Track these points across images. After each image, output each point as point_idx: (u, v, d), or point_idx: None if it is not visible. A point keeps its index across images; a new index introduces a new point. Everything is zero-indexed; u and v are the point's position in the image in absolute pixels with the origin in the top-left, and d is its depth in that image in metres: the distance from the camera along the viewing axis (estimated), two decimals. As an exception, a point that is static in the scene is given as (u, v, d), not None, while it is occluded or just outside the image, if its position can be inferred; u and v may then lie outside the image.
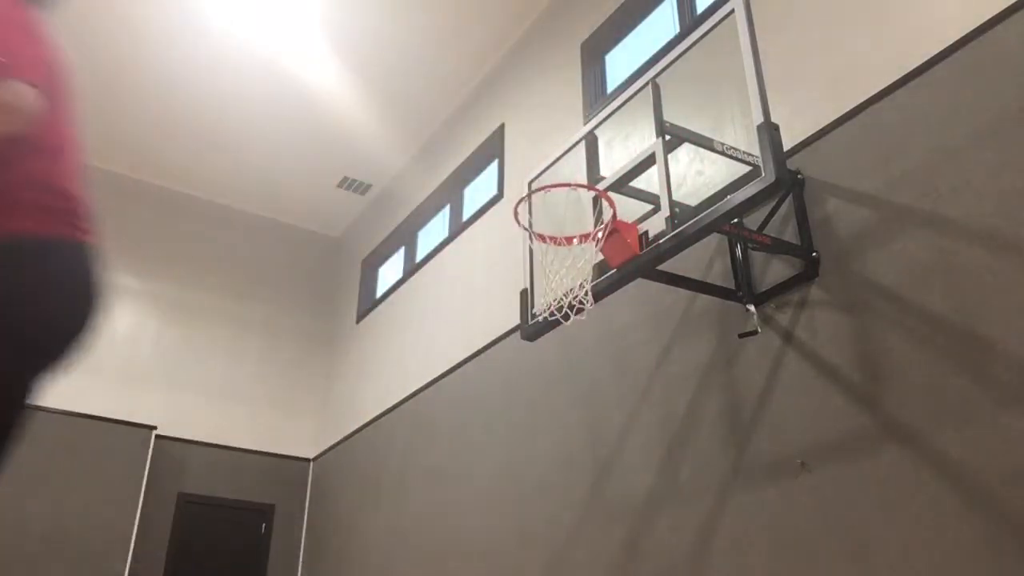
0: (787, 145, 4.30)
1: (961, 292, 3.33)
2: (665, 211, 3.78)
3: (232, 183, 10.07)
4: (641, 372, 4.95)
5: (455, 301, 7.53)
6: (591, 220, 4.30)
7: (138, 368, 9.03)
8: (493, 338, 6.66)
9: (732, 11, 3.75)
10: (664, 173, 3.84)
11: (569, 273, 4.13)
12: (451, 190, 8.58)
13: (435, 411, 7.32)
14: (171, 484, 8.76)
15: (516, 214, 4.04)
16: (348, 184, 10.04)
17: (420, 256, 8.81)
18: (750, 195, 3.43)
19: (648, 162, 4.01)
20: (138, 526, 8.09)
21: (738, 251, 4.40)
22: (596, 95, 6.41)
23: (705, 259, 4.68)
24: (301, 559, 9.26)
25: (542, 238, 4.11)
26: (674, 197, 3.97)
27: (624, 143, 5.68)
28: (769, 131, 3.44)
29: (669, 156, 4.03)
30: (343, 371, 9.66)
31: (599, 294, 4.06)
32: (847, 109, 4.06)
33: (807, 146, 4.24)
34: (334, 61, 8.12)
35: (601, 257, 4.09)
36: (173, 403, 9.09)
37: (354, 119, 8.93)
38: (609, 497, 4.92)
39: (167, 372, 9.18)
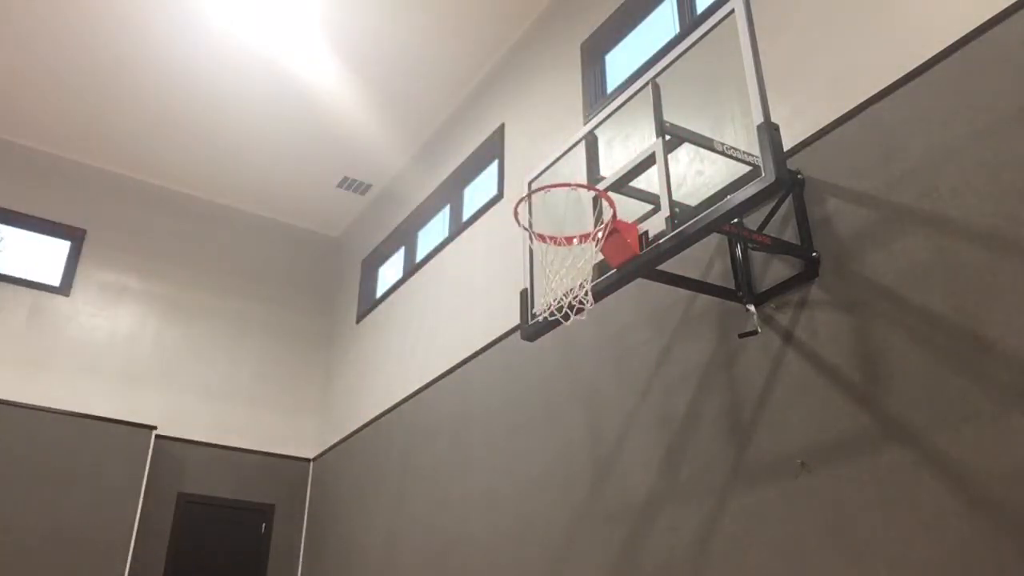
0: (787, 145, 4.31)
1: (961, 292, 3.33)
2: (665, 211, 3.78)
3: (232, 183, 10.07)
4: (641, 372, 4.95)
5: (455, 301, 7.53)
6: (591, 220, 4.30)
7: (138, 368, 9.03)
8: (493, 338, 6.66)
9: (732, 11, 3.75)
10: (664, 173, 3.84)
11: (569, 273, 4.13)
12: (451, 190, 8.58)
13: (435, 411, 7.32)
14: (171, 484, 8.76)
15: (516, 214, 4.04)
16: (348, 184, 10.05)
17: (420, 256, 8.81)
18: (750, 195, 3.43)
19: (648, 162, 4.01)
20: (138, 526, 8.09)
21: (738, 251, 4.40)
22: (596, 95, 6.41)
23: (705, 259, 4.68)
24: (301, 559, 9.26)
25: (542, 238, 4.11)
26: (674, 197, 3.97)
27: (624, 143, 5.68)
28: (769, 131, 3.43)
29: (669, 156, 4.03)
30: (343, 371, 9.66)
31: (599, 294, 4.06)
32: (847, 109, 4.06)
33: (807, 146, 4.24)
34: (334, 61, 8.12)
35: (601, 257, 4.09)
36: (173, 403, 9.09)
37: (354, 119, 8.93)
38: (609, 497, 4.92)
39: (167, 372, 9.19)
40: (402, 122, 9.02)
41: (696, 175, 4.87)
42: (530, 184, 4.88)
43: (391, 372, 8.41)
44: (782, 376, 4.00)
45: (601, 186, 4.25)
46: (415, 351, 8.02)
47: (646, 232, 3.89)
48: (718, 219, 3.57)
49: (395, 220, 9.50)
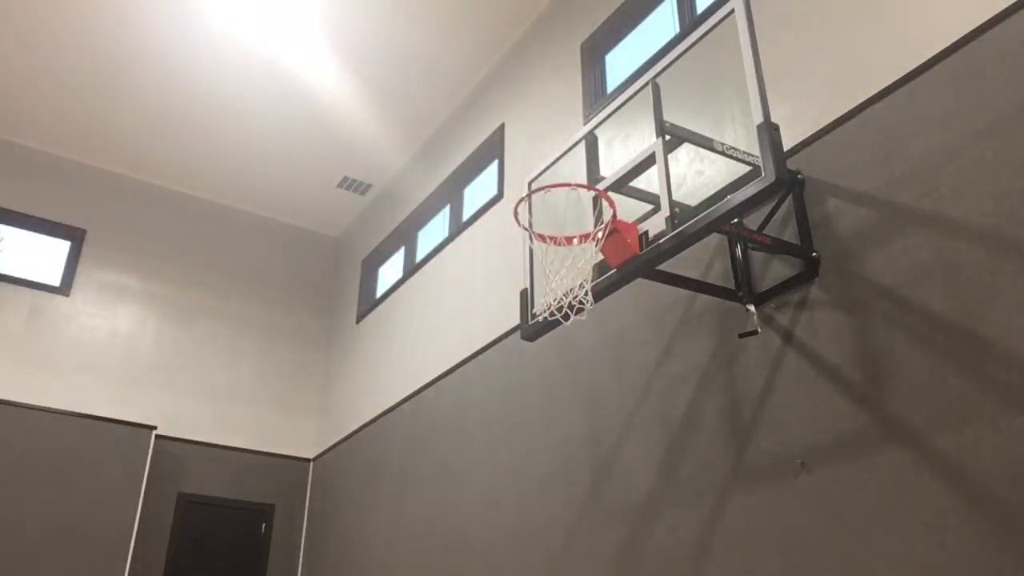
0: (787, 145, 4.31)
1: (961, 292, 3.33)
2: (665, 211, 3.78)
3: (232, 183, 10.07)
4: (641, 372, 4.95)
5: (455, 301, 7.53)
6: (591, 220, 4.30)
7: (138, 368, 9.03)
8: (493, 338, 6.66)
9: (732, 11, 3.75)
10: (664, 173, 3.84)
11: (569, 273, 4.13)
12: (451, 190, 8.58)
13: (435, 411, 7.32)
14: (171, 484, 8.76)
15: (516, 214, 4.04)
16: (348, 184, 10.05)
17: (420, 256, 8.81)
18: (750, 195, 3.43)
19: (648, 162, 4.01)
20: (138, 526, 8.09)
21: (738, 251, 4.40)
22: (596, 95, 6.41)
23: (705, 259, 4.68)
24: (301, 559, 9.26)
25: (542, 238, 4.10)
26: (674, 197, 3.97)
27: (624, 143, 5.68)
28: (769, 131, 3.43)
29: (669, 156, 4.03)
30: (343, 371, 9.66)
31: (599, 294, 4.06)
32: (847, 109, 4.06)
33: (807, 146, 4.24)
34: (334, 61, 8.12)
35: (601, 257, 4.09)
36: (173, 403, 9.09)
37: (354, 119, 8.94)
38: (609, 497, 4.92)
39: (167, 372, 9.19)
40: (402, 122, 9.02)
41: (696, 175, 4.87)
42: (530, 184, 4.88)
43: (391, 372, 8.41)
44: (782, 376, 4.00)
45: (601, 186, 4.25)
46: (415, 351, 8.02)
47: (646, 232, 3.89)
48: (718, 219, 3.57)
49: (395, 220, 9.50)
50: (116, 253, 9.44)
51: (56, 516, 7.60)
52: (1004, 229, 3.24)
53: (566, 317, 4.04)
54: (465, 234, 7.74)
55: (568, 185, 3.95)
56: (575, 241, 4.06)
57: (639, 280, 4.82)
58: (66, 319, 8.83)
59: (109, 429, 8.14)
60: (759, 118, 3.48)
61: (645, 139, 5.40)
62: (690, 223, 3.67)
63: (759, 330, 4.17)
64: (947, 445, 3.21)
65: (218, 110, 8.81)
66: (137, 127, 9.12)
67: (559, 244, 4.08)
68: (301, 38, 7.85)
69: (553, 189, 4.08)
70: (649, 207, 4.36)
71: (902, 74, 3.83)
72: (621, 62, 6.39)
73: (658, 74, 4.15)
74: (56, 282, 9.04)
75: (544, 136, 6.85)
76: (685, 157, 4.97)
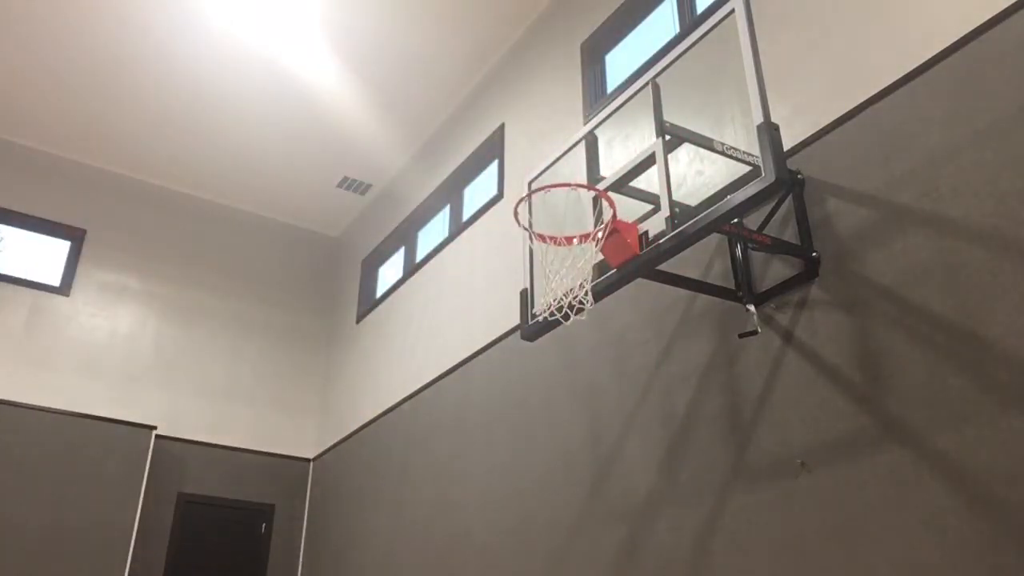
0: (787, 145, 4.31)
1: (961, 292, 3.33)
2: (665, 211, 3.78)
3: (232, 183, 10.07)
4: (641, 372, 4.95)
5: (455, 301, 7.53)
6: (591, 220, 4.30)
7: (138, 368, 9.03)
8: (493, 338, 6.66)
9: (732, 11, 3.75)
10: (664, 173, 3.84)
11: (569, 273, 4.13)
12: (451, 190, 8.58)
13: (435, 411, 7.32)
14: (171, 484, 8.76)
15: (516, 214, 4.04)
16: (348, 184, 10.05)
17: (420, 256, 8.81)
18: (750, 195, 3.43)
19: (648, 162, 4.01)
20: (138, 526, 8.09)
21: (738, 251, 4.40)
22: (596, 95, 6.41)
23: (705, 259, 4.68)
24: (301, 559, 9.26)
25: (542, 238, 4.11)
26: (674, 197, 3.97)
27: (624, 143, 5.68)
28: (769, 131, 3.44)
29: (669, 156, 4.03)
30: (343, 371, 9.66)
31: (599, 294, 4.06)
32: (847, 109, 4.06)
33: (807, 146, 4.24)
34: (334, 61, 8.12)
35: (601, 257, 4.09)
36: (173, 403, 9.09)
37: (354, 119, 8.94)
38: (609, 497, 4.92)
39: (167, 372, 9.19)
40: (402, 122, 9.02)
41: (696, 175, 4.87)
42: (530, 184, 4.88)
43: (391, 372, 8.42)
44: (782, 376, 4.00)
45: (601, 186, 4.25)
46: (415, 351, 8.02)
47: (646, 232, 3.89)
48: (718, 219, 3.57)
49: (395, 220, 9.50)
50: (116, 253, 9.44)
51: (56, 516, 7.59)
52: (1004, 229, 3.24)
53: (566, 317, 4.04)
54: (465, 234, 7.74)
55: (568, 185, 3.95)
56: (575, 241, 4.06)
57: (639, 280, 4.82)
58: (66, 319, 8.83)
59: (109, 429, 8.14)
60: (759, 118, 3.48)
61: (645, 139, 5.40)
62: (690, 223, 3.67)
63: (759, 330, 4.17)
64: (947, 445, 3.21)
65: (218, 110, 8.81)
66: (137, 127, 9.12)
67: (559, 244, 4.08)
68: (301, 38, 7.85)
69: (553, 189, 4.08)
70: (649, 207, 4.36)
71: (902, 74, 3.83)
72: (621, 62, 6.39)
73: (658, 74, 4.15)
74: (56, 282, 9.04)
75: (544, 136, 6.85)
76: (685, 157, 4.97)
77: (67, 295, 8.95)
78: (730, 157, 3.95)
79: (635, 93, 4.30)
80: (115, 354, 8.95)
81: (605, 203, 4.07)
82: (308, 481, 9.65)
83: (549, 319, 4.17)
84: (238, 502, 9.10)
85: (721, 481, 4.17)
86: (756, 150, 3.49)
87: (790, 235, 4.18)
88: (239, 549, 8.93)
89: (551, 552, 5.29)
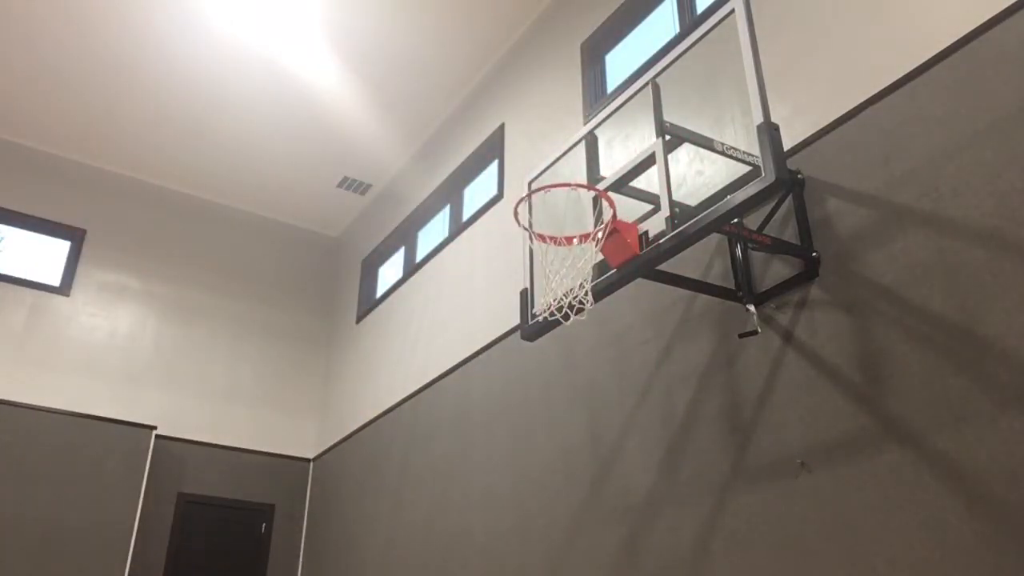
0: (787, 145, 4.31)
1: (961, 292, 3.33)
2: (665, 211, 3.78)
3: (232, 183, 10.07)
4: (641, 372, 4.95)
5: (455, 301, 7.53)
6: (591, 220, 4.30)
7: (138, 368, 9.03)
8: (493, 338, 6.66)
9: (732, 11, 3.75)
10: (664, 173, 3.84)
11: (569, 273, 4.13)
12: (451, 190, 8.58)
13: (435, 411, 7.32)
14: (171, 484, 8.76)
15: (516, 214, 4.04)
16: (348, 184, 10.05)
17: (420, 256, 8.81)
18: (750, 195, 3.43)
19: (648, 162, 4.01)
20: (138, 526, 8.09)
21: (738, 251, 4.40)
22: (596, 95, 6.41)
23: (705, 259, 4.68)
24: (301, 559, 9.26)
25: (542, 238, 4.11)
26: (674, 197, 3.97)
27: (624, 143, 5.68)
28: (769, 131, 3.44)
29: (669, 156, 4.03)
30: (343, 371, 9.66)
31: (599, 294, 4.06)
32: (847, 109, 4.06)
33: (807, 146, 4.24)
34: (334, 61, 8.12)
35: (601, 257, 4.09)
36: (173, 403, 9.09)
37: (354, 119, 8.94)
38: (609, 497, 4.92)
39: (167, 372, 9.19)
40: (402, 122, 9.03)
41: (696, 175, 4.87)
42: (530, 184, 4.88)
43: (391, 372, 8.41)
44: (782, 376, 4.00)
45: (601, 186, 4.25)
46: (415, 351, 8.02)
47: (646, 232, 3.89)
48: (718, 219, 3.57)
49: (395, 220, 9.50)
50: (116, 253, 9.44)
51: (56, 516, 7.59)
52: (1004, 229, 3.24)
53: (566, 317, 4.04)
54: (465, 234, 7.74)
55: (568, 185, 3.95)
56: (575, 241, 4.06)
57: (639, 280, 4.82)
58: (66, 319, 8.83)
59: (109, 429, 8.14)
60: (759, 118, 3.48)
61: (645, 139, 5.40)
62: (690, 223, 3.67)
63: (759, 330, 4.17)
64: (947, 445, 3.21)
65: (218, 110, 8.81)
66: (137, 127, 9.12)
67: (559, 244, 4.08)
68: (301, 38, 7.85)
69: (553, 189, 4.08)
70: (649, 207, 4.36)
71: (902, 74, 3.83)
72: (621, 62, 6.39)
73: (658, 74, 4.15)
74: (56, 282, 9.04)
75: (544, 136, 6.85)
76: (685, 157, 4.97)
77: (67, 295, 8.95)
78: (730, 157, 3.95)
79: (635, 93, 4.30)
80: (115, 354, 8.95)
81: (605, 203, 4.07)
82: (308, 481, 9.65)
83: (549, 319, 4.18)
84: (238, 502, 9.09)
85: (721, 481, 4.17)
86: (756, 150, 3.49)
87: (790, 235, 4.18)
88: (239, 549, 8.93)
89: (551, 552, 5.29)
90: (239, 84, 8.42)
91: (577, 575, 5.00)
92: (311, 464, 9.72)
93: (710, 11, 5.30)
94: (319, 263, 10.92)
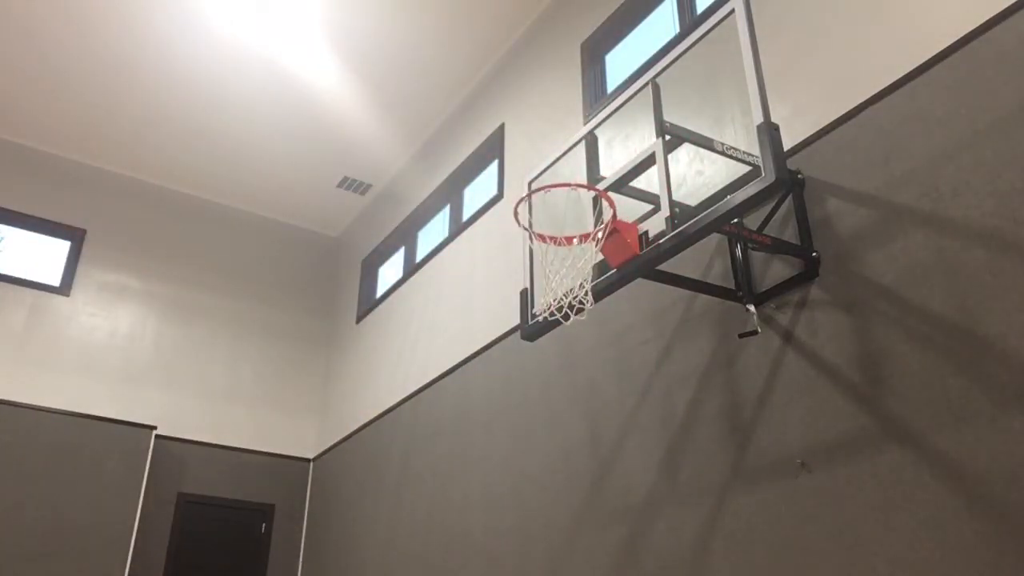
0: (787, 145, 4.31)
1: (961, 292, 3.33)
2: (665, 211, 3.78)
3: (232, 183, 10.07)
4: (641, 372, 4.95)
5: (455, 301, 7.53)
6: (591, 220, 4.30)
7: (138, 368, 9.03)
8: (493, 338, 6.66)
9: (732, 11, 3.75)
10: (664, 173, 3.84)
11: (569, 273, 4.13)
12: (451, 190, 8.58)
13: (435, 411, 7.32)
14: (171, 484, 8.76)
15: (516, 214, 4.04)
16: (348, 184, 10.05)
17: (420, 256, 8.81)
18: (750, 195, 3.43)
19: (648, 162, 4.01)
20: (138, 526, 8.09)
21: (738, 251, 4.40)
22: (596, 95, 6.41)
23: (705, 259, 4.68)
24: (301, 559, 9.26)
25: (542, 238, 4.11)
26: (674, 197, 3.97)
27: (624, 143, 5.68)
28: (769, 131, 3.44)
29: (669, 156, 4.03)
30: (343, 371, 9.66)
31: (599, 294, 4.06)
32: (847, 109, 4.06)
33: (807, 146, 4.24)
34: (334, 61, 8.12)
35: (601, 257, 4.09)
36: (173, 403, 9.09)
37: (354, 119, 8.94)
38: (609, 497, 4.92)
39: (167, 372, 9.19)
40: (402, 122, 9.02)
41: (696, 175, 4.87)
42: (530, 184, 4.88)
43: (391, 372, 8.41)
44: (782, 376, 4.00)
45: (601, 186, 4.25)
46: (415, 351, 8.02)
47: (646, 232, 3.89)
48: (718, 219, 3.57)
49: (395, 220, 9.50)
50: (116, 253, 9.44)
51: (56, 516, 7.59)
52: (1004, 229, 3.24)
53: (566, 317, 4.04)
54: (465, 234, 7.74)
55: (568, 185, 3.95)
56: (575, 241, 4.06)
57: (639, 280, 4.82)
58: (66, 319, 8.83)
59: (109, 429, 8.14)
60: (759, 118, 3.48)
61: (645, 139, 5.40)
62: (690, 223, 3.67)
63: (759, 330, 4.17)
64: (947, 445, 3.21)
65: (218, 110, 8.81)
66: (137, 127, 9.12)
67: (559, 244, 4.08)
68: (301, 38, 7.85)
69: (553, 189, 4.08)
70: (649, 207, 4.36)
71: (902, 74, 3.84)
72: (621, 62, 6.39)
73: (658, 74, 4.15)
74: (56, 282, 9.04)
75: (544, 136, 6.85)
76: (685, 157, 4.97)
77: (67, 295, 8.95)
78: (730, 157, 3.95)
79: (635, 93, 4.30)
80: (115, 354, 8.95)
81: (605, 203, 4.07)
82: (308, 481, 9.65)
83: (549, 319, 4.17)
84: (238, 502, 9.09)
85: (721, 481, 4.17)
86: (756, 150, 3.49)
87: (790, 235, 4.18)
88: (239, 549, 8.93)
89: (551, 552, 5.29)
90: (239, 84, 8.42)
91: (577, 575, 5.00)
92: (311, 464, 9.72)
93: (710, 11, 5.30)
94: (319, 263, 10.92)
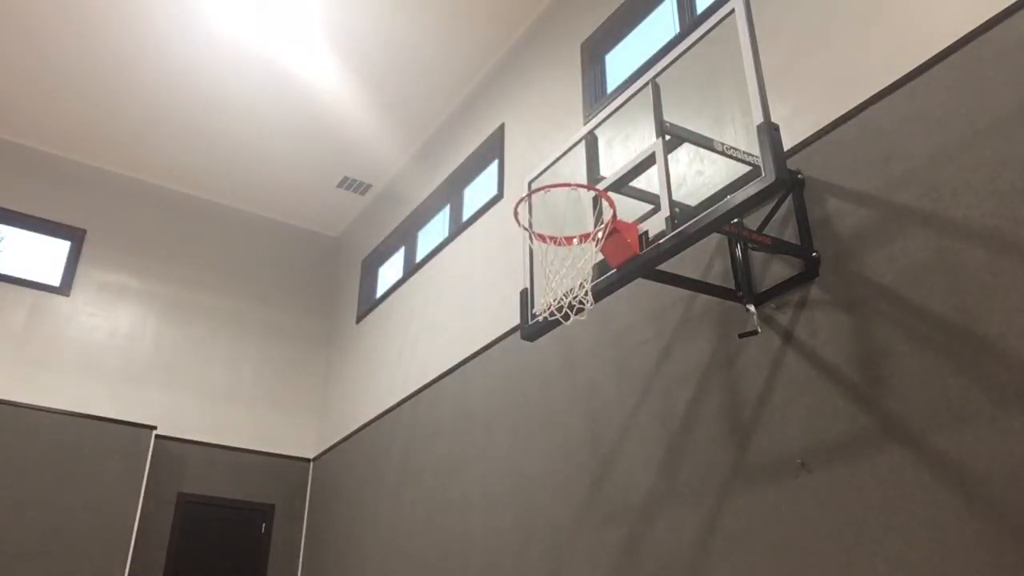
0: (787, 145, 4.31)
1: (961, 292, 3.33)
2: (665, 211, 3.78)
3: (232, 183, 10.07)
4: (641, 372, 4.95)
5: (455, 301, 7.53)
6: (591, 220, 4.30)
7: (138, 368, 9.03)
8: (493, 338, 6.66)
9: (732, 11, 3.75)
10: (664, 173, 3.84)
11: (569, 273, 4.13)
12: (451, 190, 8.58)
13: (435, 411, 7.32)
14: (171, 484, 8.76)
15: (516, 214, 4.04)
16: (348, 184, 10.05)
17: (420, 256, 8.81)
18: (750, 195, 3.43)
19: (648, 162, 4.01)
20: (138, 526, 8.09)
21: (738, 251, 4.40)
22: (596, 95, 6.41)
23: (705, 259, 4.68)
24: (301, 559, 9.26)
25: (542, 238, 4.11)
26: (674, 197, 3.97)
27: (624, 143, 5.68)
28: (769, 131, 3.44)
29: (669, 156, 4.03)
30: (343, 371, 9.66)
31: (599, 294, 4.06)
32: (847, 109, 4.06)
33: (807, 146, 4.24)
34: (334, 61, 8.12)
35: (601, 257, 4.09)
36: (173, 403, 9.09)
37: (354, 119, 8.93)
38: (609, 497, 4.92)
39: (167, 372, 9.19)
40: (402, 122, 9.02)
41: (696, 175, 4.87)
42: (530, 184, 4.88)
43: (391, 372, 8.41)
44: (782, 376, 4.00)
45: (601, 186, 4.25)
46: (415, 351, 8.02)
47: (646, 232, 3.89)
48: (718, 219, 3.57)
49: (395, 220, 9.50)
50: (116, 253, 9.44)
51: (56, 516, 7.59)
52: (1004, 229, 3.24)
53: (566, 317, 4.04)
54: (465, 234, 7.74)
55: (568, 185, 3.95)
56: (575, 241, 4.06)
57: (639, 280, 4.82)
58: (66, 319, 8.83)
59: (109, 429, 8.14)
60: (759, 118, 3.48)
61: (645, 139, 5.40)
62: (690, 223, 3.67)
63: (759, 330, 4.17)
64: (947, 445, 3.21)
65: (218, 110, 8.81)
66: (137, 127, 9.12)
67: (559, 244, 4.08)
68: (301, 38, 7.85)
69: (553, 189, 4.08)
70: (649, 207, 4.36)
71: (902, 74, 3.84)
72: (621, 62, 6.39)
73: (658, 74, 4.15)
74: (56, 282, 9.04)
75: (544, 136, 6.85)
76: (685, 157, 4.97)
77: (67, 295, 8.95)
78: (730, 157, 3.95)
79: (635, 93, 4.30)
80: (115, 354, 8.95)
81: (605, 203, 4.07)
82: (308, 481, 9.65)
83: (549, 319, 4.17)
84: (238, 502, 9.09)
85: (721, 481, 4.17)
86: (756, 150, 3.49)
87: (790, 235, 4.18)
88: (239, 549, 8.93)
89: (551, 552, 5.29)
90: (239, 84, 8.42)
91: (577, 575, 5.00)
92: (311, 464, 9.72)
93: (710, 11, 5.30)
94: (319, 263, 10.92)
